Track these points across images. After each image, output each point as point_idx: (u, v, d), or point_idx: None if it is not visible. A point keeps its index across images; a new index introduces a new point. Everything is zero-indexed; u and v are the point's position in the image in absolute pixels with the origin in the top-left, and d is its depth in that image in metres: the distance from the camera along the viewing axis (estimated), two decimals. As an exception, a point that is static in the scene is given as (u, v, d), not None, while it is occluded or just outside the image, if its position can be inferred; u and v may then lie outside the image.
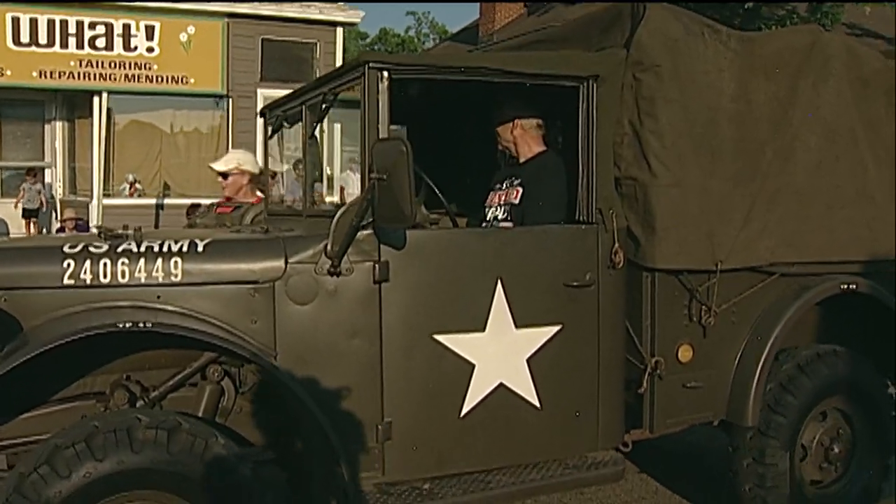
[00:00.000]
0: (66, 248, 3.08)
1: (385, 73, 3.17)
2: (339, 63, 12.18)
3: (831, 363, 4.10)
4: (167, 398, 3.26)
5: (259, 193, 5.26)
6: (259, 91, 11.59)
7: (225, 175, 5.22)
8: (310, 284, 3.16)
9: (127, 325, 2.76)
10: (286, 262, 3.15)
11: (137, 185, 11.55)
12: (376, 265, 3.18)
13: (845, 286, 4.10)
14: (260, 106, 11.65)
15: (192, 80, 11.15)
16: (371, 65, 3.16)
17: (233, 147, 11.64)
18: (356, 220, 3.06)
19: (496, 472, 3.46)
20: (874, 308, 4.25)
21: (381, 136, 3.15)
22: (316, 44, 11.99)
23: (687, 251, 3.69)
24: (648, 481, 4.93)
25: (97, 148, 11.10)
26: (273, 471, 3.01)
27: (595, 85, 3.52)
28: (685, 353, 3.81)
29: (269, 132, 4.63)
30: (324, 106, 3.62)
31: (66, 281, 3.03)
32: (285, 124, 4.45)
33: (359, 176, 3.37)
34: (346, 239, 3.10)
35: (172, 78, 11.10)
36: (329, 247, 3.13)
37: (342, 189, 10.57)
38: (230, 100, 11.50)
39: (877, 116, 4.28)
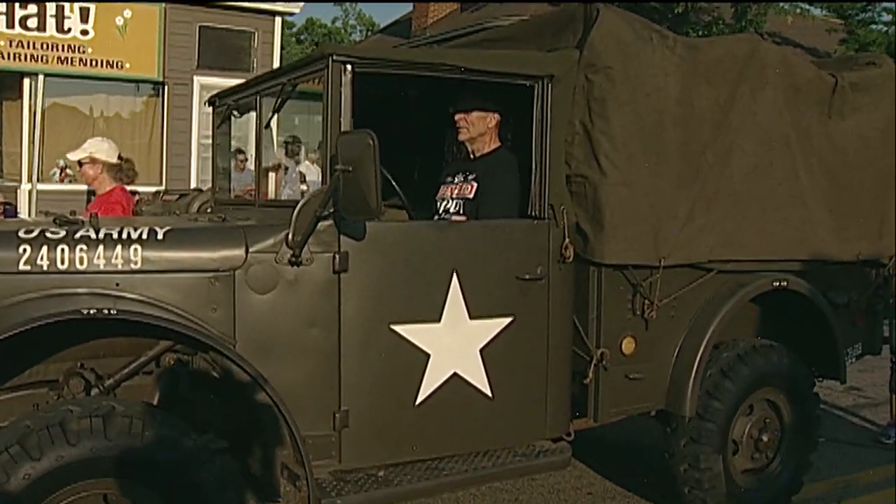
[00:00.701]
0: (21, 234, 3.02)
1: (349, 67, 3.21)
2: (276, 53, 12.07)
3: (766, 355, 4.30)
4: (122, 386, 3.23)
5: (116, 183, 5.14)
6: (196, 79, 11.38)
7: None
8: (270, 274, 3.17)
9: (91, 311, 2.73)
10: (247, 251, 3.16)
11: (68, 171, 11.21)
12: (336, 255, 3.22)
13: (777, 283, 4.30)
14: (196, 94, 11.55)
15: (127, 66, 10.87)
16: (335, 57, 3.19)
17: (167, 135, 11.44)
18: (319, 211, 3.08)
19: (448, 460, 3.53)
20: (803, 305, 4.47)
21: (343, 129, 3.19)
22: (254, 33, 11.84)
23: (634, 247, 3.82)
24: (589, 470, 5.08)
25: (27, 132, 10.75)
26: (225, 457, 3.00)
27: (550, 85, 3.62)
28: (628, 346, 3.95)
29: (218, 122, 4.61)
30: (281, 97, 3.64)
31: (21, 267, 2.97)
32: (235, 113, 4.43)
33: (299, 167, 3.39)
34: (308, 229, 3.12)
35: (107, 62, 10.80)
36: (290, 236, 3.14)
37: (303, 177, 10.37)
38: (166, 86, 11.26)
39: (806, 124, 4.49)
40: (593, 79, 3.73)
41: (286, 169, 9.51)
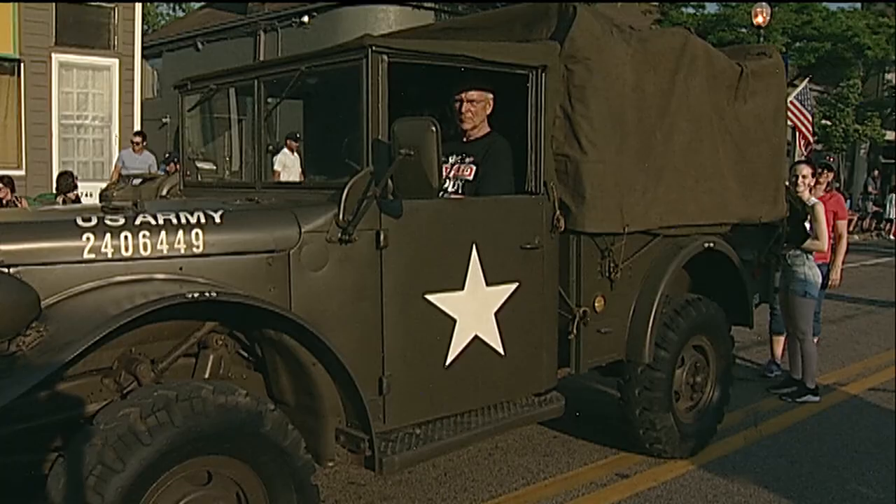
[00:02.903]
0: (80, 223, 2.99)
1: (385, 57, 3.40)
2: (138, 30, 11.52)
3: (697, 308, 4.91)
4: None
5: None
6: (54, 56, 10.66)
7: None
8: (321, 252, 3.32)
9: (194, 295, 2.78)
10: (300, 232, 3.28)
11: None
12: (379, 233, 3.41)
13: (707, 244, 4.92)
14: (56, 71, 10.83)
15: (-20, 41, 10.04)
16: (374, 48, 3.36)
17: (24, 115, 10.68)
18: (376, 191, 3.27)
19: (469, 414, 3.85)
20: (722, 262, 5.13)
21: (381, 117, 3.38)
22: (114, 9, 11.23)
23: (607, 217, 4.27)
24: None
25: None
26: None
27: (544, 74, 3.97)
28: (599, 304, 4.41)
29: (189, 105, 4.58)
30: (299, 81, 3.73)
31: (86, 255, 2.95)
32: (230, 98, 4.42)
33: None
34: (360, 209, 3.30)
35: (-40, 39, 9.94)
36: (341, 216, 3.31)
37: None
38: (23, 64, 10.46)
39: (721, 106, 5.13)
40: (574, 68, 4.12)
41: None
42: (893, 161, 29.35)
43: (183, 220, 3.12)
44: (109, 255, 2.99)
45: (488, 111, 4.17)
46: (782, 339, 6.87)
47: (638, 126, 4.48)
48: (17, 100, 10.56)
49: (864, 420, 5.72)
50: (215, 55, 22.93)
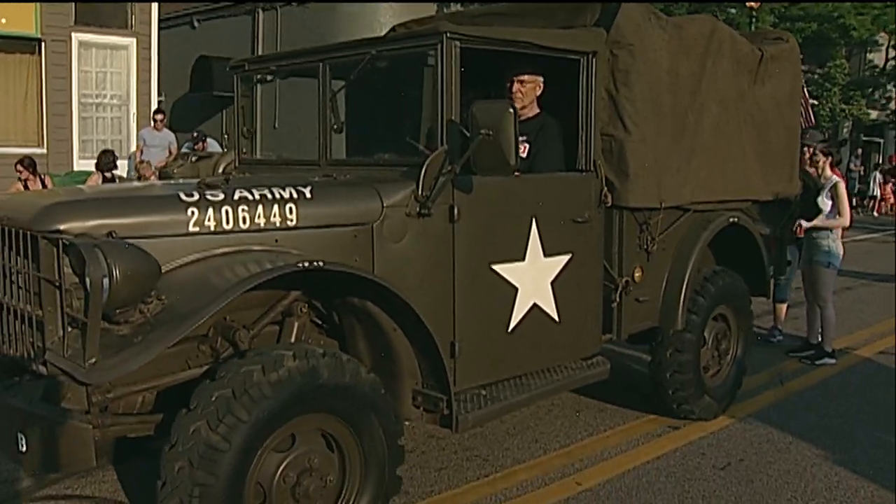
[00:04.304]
0: (183, 197, 3.16)
1: (458, 43, 3.58)
2: (154, 10, 11.53)
3: (723, 277, 5.16)
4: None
5: None
6: (73, 35, 10.68)
7: None
8: (401, 225, 3.52)
9: (304, 264, 2.97)
10: (382, 206, 3.48)
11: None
12: (453, 207, 3.61)
13: (732, 219, 5.16)
14: (75, 50, 10.86)
15: (2, 21, 10.02)
16: (449, 35, 3.54)
17: (45, 93, 10.72)
18: (456, 168, 3.46)
19: (527, 377, 4.08)
20: (744, 236, 5.38)
21: (454, 99, 3.56)
22: (131, -11, 11.26)
23: (647, 193, 4.49)
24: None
25: None
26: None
27: (594, 59, 4.16)
28: (638, 274, 4.64)
29: (245, 86, 4.74)
30: (361, 65, 3.89)
31: (191, 228, 3.12)
32: (268, 78, 4.56)
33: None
34: (437, 185, 3.49)
35: (-17, 18, 9.94)
36: (420, 191, 3.50)
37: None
38: (44, 43, 10.49)
39: (742, 89, 5.35)
40: (618, 53, 4.32)
41: None
42: (877, 140, 29.83)
43: (277, 195, 3.30)
44: (212, 228, 3.16)
45: (538, 93, 4.35)
46: (784, 306, 7.20)
47: (673, 108, 4.69)
48: (38, 79, 10.60)
49: (880, 378, 6.20)
50: (212, 33, 22.79)
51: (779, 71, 5.65)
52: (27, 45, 10.45)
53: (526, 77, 4.26)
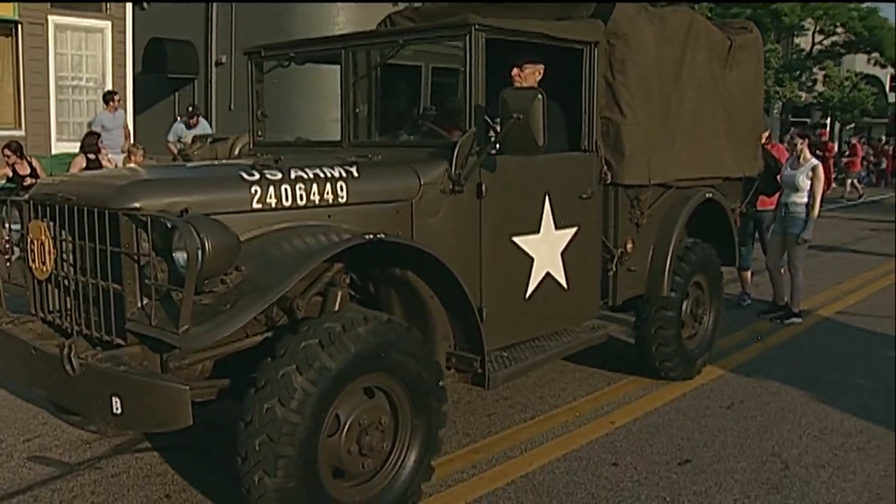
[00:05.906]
0: (245, 176, 3.36)
1: (484, 34, 3.84)
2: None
3: (700, 247, 5.56)
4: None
5: None
6: (50, 18, 10.52)
7: None
8: (436, 201, 3.78)
9: (371, 236, 3.22)
10: (420, 184, 3.73)
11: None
12: (480, 184, 3.89)
13: (708, 195, 5.56)
14: (52, 33, 10.69)
15: (-23, 4, 9.85)
16: (476, 26, 3.79)
17: (23, 76, 10.56)
18: (488, 149, 3.74)
19: (541, 339, 4.40)
20: (716, 210, 5.78)
21: (481, 86, 3.82)
22: (107, -30, 11.11)
23: (639, 172, 4.84)
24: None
25: None
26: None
27: (595, 48, 4.47)
28: (630, 245, 5.00)
29: (260, 72, 4.90)
30: (390, 53, 4.13)
31: (254, 205, 3.32)
32: (284, 64, 4.73)
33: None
34: (469, 164, 3.76)
35: (-43, 1, 9.72)
36: (453, 170, 3.77)
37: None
38: (20, 25, 10.30)
39: (716, 76, 5.73)
40: (615, 43, 4.65)
41: None
42: (803, 120, 31.05)
43: (328, 174, 3.53)
44: (273, 205, 3.37)
45: (538, 78, 4.64)
46: (749, 273, 7.72)
47: (660, 93, 5.04)
48: (15, 61, 10.42)
49: (843, 334, 6.96)
50: (162, 14, 22.35)
51: (745, 58, 6.05)
52: (4, 27, 10.27)
53: (527, 63, 4.53)
